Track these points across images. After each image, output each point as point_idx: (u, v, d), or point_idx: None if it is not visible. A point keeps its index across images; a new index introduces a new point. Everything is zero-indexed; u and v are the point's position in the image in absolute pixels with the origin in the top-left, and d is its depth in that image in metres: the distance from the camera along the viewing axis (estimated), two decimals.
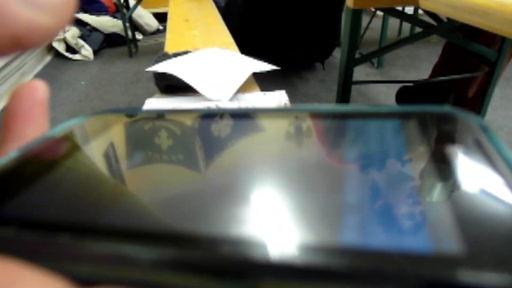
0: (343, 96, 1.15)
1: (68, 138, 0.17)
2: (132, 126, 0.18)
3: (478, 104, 1.41)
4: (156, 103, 0.86)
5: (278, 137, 0.16)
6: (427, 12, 1.25)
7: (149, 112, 0.19)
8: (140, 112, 0.19)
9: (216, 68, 0.92)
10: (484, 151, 0.12)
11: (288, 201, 0.12)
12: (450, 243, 0.09)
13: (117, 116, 0.18)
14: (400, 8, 1.41)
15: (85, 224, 0.11)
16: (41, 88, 0.16)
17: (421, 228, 0.10)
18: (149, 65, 0.93)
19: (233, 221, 0.11)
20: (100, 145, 0.17)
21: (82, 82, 2.53)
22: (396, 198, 0.11)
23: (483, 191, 0.10)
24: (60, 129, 0.17)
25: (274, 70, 0.93)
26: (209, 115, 0.18)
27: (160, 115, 0.18)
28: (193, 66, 0.92)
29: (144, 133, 0.18)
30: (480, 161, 0.12)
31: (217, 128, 0.17)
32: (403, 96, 1.62)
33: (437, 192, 0.11)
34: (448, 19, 1.19)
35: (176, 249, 0.09)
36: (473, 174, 0.11)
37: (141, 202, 0.13)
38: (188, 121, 0.18)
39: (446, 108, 0.14)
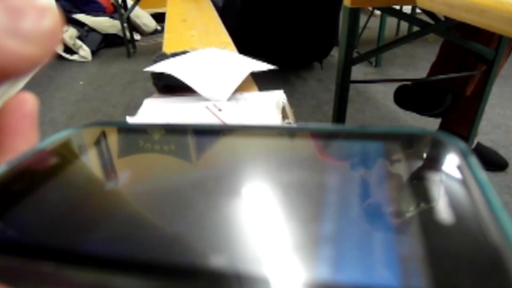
0: (341, 95, 1.15)
1: (57, 151, 0.16)
2: (122, 139, 0.18)
3: (476, 103, 1.41)
4: (154, 103, 0.86)
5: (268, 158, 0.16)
6: (424, 11, 1.26)
7: (140, 126, 0.18)
8: (130, 126, 0.19)
9: (214, 67, 0.92)
10: (463, 178, 0.12)
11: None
12: (420, 278, 0.08)
13: (106, 128, 0.18)
14: (398, 7, 1.41)
15: (71, 249, 0.10)
16: (30, 101, 0.16)
17: (391, 261, 0.09)
18: (147, 65, 0.93)
19: (232, 251, 0.10)
20: (89, 158, 0.16)
21: (80, 82, 2.53)
22: (370, 227, 0.11)
23: (457, 220, 0.10)
24: (49, 142, 0.16)
25: (272, 70, 0.93)
26: (201, 130, 0.18)
27: (149, 129, 0.18)
28: (191, 66, 0.92)
29: (134, 147, 0.17)
30: (458, 188, 0.11)
31: (210, 143, 0.17)
32: (401, 95, 1.62)
33: (410, 219, 0.11)
34: (446, 18, 1.20)
35: (164, 281, 0.09)
36: (449, 203, 0.11)
37: (130, 221, 0.12)
38: (178, 136, 0.18)
39: (430, 131, 0.14)
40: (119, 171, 0.16)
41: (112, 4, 3.33)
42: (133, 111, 0.82)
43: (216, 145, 0.17)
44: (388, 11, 1.23)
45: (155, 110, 0.82)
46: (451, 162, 0.12)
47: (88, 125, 0.18)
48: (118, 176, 0.16)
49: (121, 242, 0.11)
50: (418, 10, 2.61)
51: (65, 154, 0.16)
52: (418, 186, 0.12)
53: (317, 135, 0.16)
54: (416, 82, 1.59)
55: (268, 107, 0.82)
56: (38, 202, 0.13)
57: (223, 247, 0.10)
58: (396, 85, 1.62)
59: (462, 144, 0.13)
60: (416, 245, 0.10)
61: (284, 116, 0.79)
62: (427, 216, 0.11)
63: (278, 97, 0.85)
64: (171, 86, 0.89)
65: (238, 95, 0.86)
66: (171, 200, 0.14)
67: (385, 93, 2.15)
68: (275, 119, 0.78)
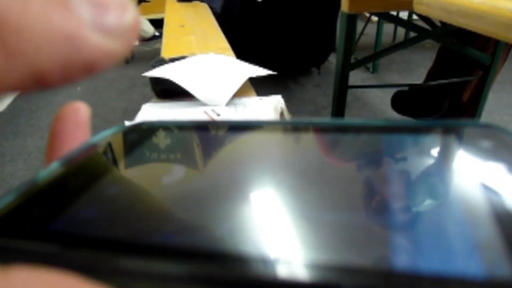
0: (339, 100, 1.16)
1: (107, 148, 0.17)
2: (171, 137, 0.18)
3: (473, 108, 1.42)
4: (152, 108, 0.86)
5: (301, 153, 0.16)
6: (421, 17, 1.27)
7: (189, 122, 0.19)
8: (181, 124, 0.19)
9: (212, 73, 0.93)
10: None
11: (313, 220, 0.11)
12: (502, 267, 0.08)
13: (155, 127, 0.19)
14: (394, 13, 1.42)
15: (133, 241, 0.11)
16: (83, 110, 0.16)
17: (468, 250, 0.09)
18: (146, 71, 0.93)
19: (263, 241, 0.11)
20: (139, 156, 0.17)
21: (78, 88, 2.53)
22: (439, 218, 0.11)
23: None
24: (99, 138, 0.17)
25: (270, 75, 0.94)
26: (249, 126, 0.18)
27: (199, 125, 0.18)
28: (190, 71, 0.92)
29: (183, 146, 0.18)
30: None
31: (268, 142, 0.17)
32: (398, 100, 1.63)
33: (480, 211, 0.11)
34: (442, 23, 1.21)
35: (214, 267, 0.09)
36: None
37: (183, 218, 0.13)
38: (231, 132, 0.18)
39: (487, 124, 0.14)
40: (168, 167, 0.16)
41: None
42: (131, 116, 0.82)
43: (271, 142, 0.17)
44: (385, 17, 1.24)
45: (154, 115, 0.82)
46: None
47: (137, 123, 0.19)
48: (171, 171, 0.16)
49: (183, 233, 0.11)
50: (414, 17, 2.63)
51: (116, 150, 0.17)
52: (483, 177, 0.12)
53: (372, 129, 0.16)
54: (413, 88, 1.60)
55: (266, 112, 0.82)
56: (94, 198, 0.13)
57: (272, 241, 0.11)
58: (393, 90, 1.63)
59: None
60: (490, 235, 0.09)
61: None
62: (495, 206, 0.10)
63: (276, 102, 0.86)
64: (170, 91, 0.89)
65: (237, 100, 0.87)
66: (225, 195, 0.14)
67: (382, 98, 2.16)
68: None
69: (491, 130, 0.14)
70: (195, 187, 0.15)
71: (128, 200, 0.14)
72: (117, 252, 0.10)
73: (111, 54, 0.10)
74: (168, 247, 0.10)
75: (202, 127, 0.18)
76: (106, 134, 0.17)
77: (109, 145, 0.17)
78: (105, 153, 0.16)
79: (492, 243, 0.09)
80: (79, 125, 0.16)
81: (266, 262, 0.09)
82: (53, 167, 0.14)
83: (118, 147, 0.17)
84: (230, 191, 0.14)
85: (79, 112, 0.16)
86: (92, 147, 0.16)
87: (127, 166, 0.16)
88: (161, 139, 0.18)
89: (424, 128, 0.15)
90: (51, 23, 0.09)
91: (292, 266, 0.09)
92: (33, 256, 0.10)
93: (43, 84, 0.09)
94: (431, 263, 0.09)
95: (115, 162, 0.16)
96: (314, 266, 0.09)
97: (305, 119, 0.17)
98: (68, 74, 0.09)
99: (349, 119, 0.17)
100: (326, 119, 0.17)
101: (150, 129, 0.18)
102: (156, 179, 0.16)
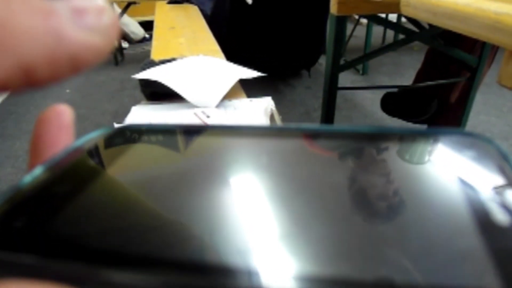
0: (329, 102, 1.16)
1: (91, 151, 0.16)
2: (156, 141, 0.18)
3: (460, 109, 1.44)
4: (142, 110, 0.86)
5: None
6: (409, 20, 1.28)
7: (174, 126, 0.19)
8: (164, 127, 0.19)
9: (202, 75, 0.93)
10: (505, 175, 0.12)
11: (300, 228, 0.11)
12: (482, 277, 0.08)
13: (140, 130, 0.18)
14: (383, 16, 1.44)
15: (120, 250, 0.10)
16: (66, 112, 0.16)
17: (450, 261, 0.09)
18: (135, 73, 0.93)
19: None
20: (124, 160, 0.16)
21: (67, 90, 2.51)
22: (421, 227, 0.11)
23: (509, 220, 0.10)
24: (83, 142, 0.16)
25: (260, 77, 0.94)
26: (229, 131, 0.18)
27: (184, 129, 0.18)
28: (179, 73, 0.92)
29: (168, 150, 0.18)
30: (505, 187, 0.11)
31: (237, 143, 0.17)
32: (387, 102, 1.64)
33: (462, 219, 0.11)
34: (430, 26, 1.22)
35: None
36: (497, 202, 0.11)
37: (169, 223, 0.12)
38: (221, 137, 0.18)
39: (465, 132, 0.14)
40: (149, 170, 0.16)
41: None
42: (121, 119, 0.81)
43: (245, 145, 0.17)
44: (374, 19, 1.25)
45: (143, 117, 0.82)
46: (493, 163, 0.13)
47: (120, 127, 0.18)
48: (151, 175, 0.16)
49: (164, 240, 0.11)
50: (403, 19, 2.66)
51: (100, 154, 0.17)
52: (465, 186, 0.12)
53: (349, 136, 0.16)
54: (402, 89, 1.62)
55: (257, 114, 0.82)
56: (77, 202, 0.13)
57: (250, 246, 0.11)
58: (382, 92, 1.64)
59: (499, 145, 0.13)
60: (471, 245, 0.10)
61: (273, 122, 0.80)
62: (479, 216, 0.11)
63: (266, 104, 0.86)
64: (159, 93, 0.89)
65: (227, 102, 0.87)
66: (208, 201, 0.14)
67: (372, 100, 2.17)
68: None
69: (473, 139, 0.14)
70: (180, 192, 0.14)
71: (114, 206, 0.14)
72: (104, 263, 0.10)
73: (93, 48, 0.11)
74: (155, 258, 0.10)
75: (187, 131, 0.18)
76: (90, 137, 0.17)
77: (94, 148, 0.17)
78: (89, 157, 0.16)
79: (475, 253, 0.09)
80: (62, 128, 0.16)
81: (245, 274, 0.09)
82: (37, 172, 0.14)
83: (103, 150, 0.17)
84: (213, 198, 0.14)
85: (63, 115, 0.16)
86: (76, 150, 0.16)
87: (111, 170, 0.16)
88: (146, 143, 0.18)
89: (408, 136, 0.15)
90: (33, 19, 0.10)
91: (272, 278, 0.09)
92: (18, 268, 0.10)
93: (32, 79, 0.10)
94: (412, 274, 0.09)
95: (99, 166, 0.16)
96: (292, 278, 0.09)
97: (292, 124, 0.17)
98: (55, 67, 0.10)
99: (328, 125, 0.17)
100: (308, 125, 0.17)
101: (135, 132, 0.18)
102: (142, 183, 0.15)
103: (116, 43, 0.12)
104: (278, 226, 0.11)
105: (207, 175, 0.16)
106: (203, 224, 0.12)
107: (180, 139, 0.18)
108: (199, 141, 0.18)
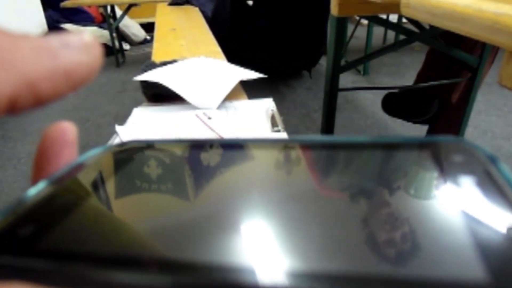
0: (330, 102, 1.16)
1: (93, 168, 0.17)
2: (159, 157, 0.18)
3: (461, 109, 1.43)
4: (143, 111, 0.86)
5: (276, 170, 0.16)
6: (410, 20, 1.28)
7: (176, 141, 0.19)
8: (167, 143, 0.19)
9: (203, 76, 0.93)
10: (494, 183, 0.12)
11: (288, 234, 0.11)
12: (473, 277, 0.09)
13: (143, 147, 0.19)
14: (384, 17, 1.44)
15: (120, 258, 0.11)
16: (70, 129, 0.17)
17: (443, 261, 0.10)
18: (136, 75, 0.93)
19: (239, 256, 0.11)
20: (126, 177, 0.17)
21: None
22: (413, 231, 0.11)
23: (496, 223, 0.10)
24: (86, 158, 0.17)
25: (261, 79, 0.94)
26: (236, 145, 0.18)
27: (188, 144, 0.18)
28: (180, 74, 0.92)
29: (171, 165, 0.18)
30: (492, 193, 0.12)
31: (252, 161, 0.17)
32: (388, 102, 1.64)
33: (452, 224, 0.11)
34: (431, 26, 1.22)
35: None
36: (486, 206, 0.11)
37: (167, 240, 0.13)
38: (221, 151, 0.18)
39: (453, 139, 0.14)
40: (154, 189, 0.16)
41: (101, 14, 3.33)
42: (122, 121, 0.82)
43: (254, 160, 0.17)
44: (374, 20, 1.25)
45: (145, 119, 0.82)
46: (482, 168, 0.13)
47: (125, 143, 0.19)
48: (158, 194, 0.16)
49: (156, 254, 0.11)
50: (404, 20, 2.66)
51: (102, 172, 0.17)
52: (455, 192, 0.12)
53: (341, 146, 0.16)
54: (403, 90, 1.61)
55: (258, 115, 0.83)
56: (78, 219, 0.13)
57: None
58: (383, 93, 1.64)
59: (488, 151, 0.13)
60: (463, 246, 0.10)
61: (274, 124, 0.80)
62: (468, 220, 0.11)
63: (267, 105, 0.86)
64: (161, 95, 0.89)
65: (228, 103, 0.87)
66: (216, 212, 0.14)
67: (373, 101, 2.17)
68: (265, 127, 0.78)
69: (462, 146, 0.14)
70: (183, 213, 0.15)
71: (114, 221, 0.14)
72: (104, 272, 0.10)
73: (83, 64, 0.13)
74: (154, 271, 0.10)
75: (191, 146, 0.18)
76: (93, 154, 0.17)
77: (96, 165, 0.17)
78: (91, 173, 0.17)
79: (465, 252, 0.10)
80: (66, 145, 0.16)
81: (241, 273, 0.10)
82: (41, 186, 0.14)
83: (105, 167, 0.17)
84: (221, 221, 0.13)
85: (66, 132, 0.16)
86: (79, 167, 0.16)
87: (113, 186, 0.16)
88: (149, 159, 0.18)
89: (398, 145, 0.15)
90: (33, 48, 0.12)
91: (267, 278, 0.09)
92: (22, 274, 0.10)
93: (37, 94, 0.12)
94: (405, 271, 0.09)
95: (101, 182, 0.16)
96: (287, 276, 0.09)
97: (292, 137, 0.17)
98: (54, 82, 0.12)
99: (320, 136, 0.17)
100: (302, 137, 0.17)
101: (138, 148, 0.19)
102: (142, 202, 0.16)
103: (100, 61, 0.15)
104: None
105: (213, 189, 0.16)
106: (209, 233, 0.12)
107: (184, 155, 0.18)
108: (206, 157, 0.18)
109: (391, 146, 0.16)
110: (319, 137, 0.17)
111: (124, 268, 0.10)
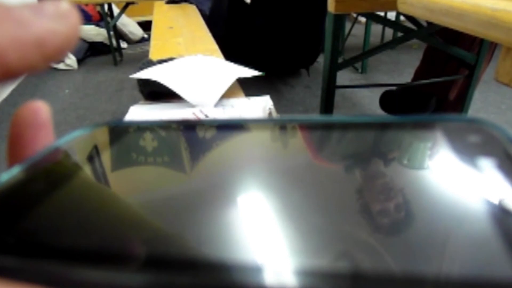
0: (327, 100, 1.16)
1: (71, 151, 0.16)
2: (136, 138, 0.18)
3: (459, 107, 1.44)
4: (140, 109, 0.86)
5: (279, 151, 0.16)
6: (408, 18, 1.28)
7: (152, 123, 0.18)
8: (148, 124, 0.18)
9: (200, 74, 0.93)
10: None
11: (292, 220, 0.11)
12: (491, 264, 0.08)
13: (119, 128, 0.18)
14: (382, 14, 1.44)
15: (98, 251, 0.10)
16: (43, 109, 0.15)
17: (458, 249, 0.09)
18: (134, 73, 0.93)
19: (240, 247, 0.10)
20: (103, 158, 0.16)
21: (66, 91, 2.51)
22: (426, 215, 0.11)
23: None
24: (64, 142, 0.16)
25: (259, 76, 0.94)
26: (216, 125, 0.17)
27: (164, 125, 0.18)
28: (178, 72, 0.92)
29: (148, 145, 0.17)
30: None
31: (235, 140, 0.17)
32: (386, 100, 1.65)
33: (468, 206, 0.11)
34: (428, 24, 1.22)
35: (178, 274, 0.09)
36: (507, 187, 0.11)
37: (148, 221, 0.12)
38: (195, 130, 0.17)
39: (471, 118, 0.14)
40: (136, 169, 0.16)
41: (99, 12, 3.32)
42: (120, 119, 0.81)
43: (236, 140, 0.17)
44: (372, 17, 1.25)
45: (142, 117, 0.82)
46: (500, 147, 0.12)
47: (99, 124, 0.17)
48: (133, 174, 0.15)
49: (140, 240, 0.11)
50: (402, 18, 2.66)
51: (80, 153, 0.16)
52: (470, 172, 0.12)
53: (356, 125, 0.15)
54: (401, 87, 1.62)
55: (255, 113, 0.82)
56: (54, 205, 0.12)
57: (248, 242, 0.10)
58: (381, 90, 1.65)
59: (507, 130, 0.13)
60: (484, 234, 0.09)
61: None
62: (483, 201, 0.10)
63: (264, 103, 0.86)
64: (158, 93, 0.89)
65: (225, 101, 0.87)
66: (196, 191, 0.13)
67: (371, 98, 2.17)
68: None
69: (477, 125, 0.14)
70: (164, 191, 0.14)
71: (93, 207, 0.13)
72: (81, 264, 0.10)
73: (57, 33, 0.12)
74: (135, 257, 0.10)
75: (171, 127, 0.18)
76: (71, 137, 0.16)
77: (75, 148, 0.16)
78: (70, 156, 0.15)
79: (482, 240, 0.09)
80: (40, 127, 0.15)
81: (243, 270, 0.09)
82: (14, 172, 0.13)
83: (84, 150, 0.16)
84: (205, 197, 0.13)
85: (39, 113, 0.15)
86: (57, 150, 0.15)
87: (93, 170, 0.15)
88: (129, 140, 0.17)
89: (411, 124, 0.15)
90: None
91: (271, 274, 0.09)
92: None
93: (5, 65, 0.11)
94: (418, 264, 0.09)
95: (81, 166, 0.15)
96: (294, 273, 0.09)
97: (284, 116, 0.17)
98: (24, 51, 0.11)
99: (332, 116, 0.17)
100: (307, 116, 0.17)
101: (117, 129, 0.18)
102: (124, 183, 0.15)
103: (79, 30, 0.13)
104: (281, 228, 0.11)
105: (197, 174, 0.15)
106: (189, 223, 0.12)
107: (165, 135, 0.18)
108: (190, 137, 0.18)
109: (404, 125, 0.15)
110: (309, 117, 0.17)
111: (99, 263, 0.10)
